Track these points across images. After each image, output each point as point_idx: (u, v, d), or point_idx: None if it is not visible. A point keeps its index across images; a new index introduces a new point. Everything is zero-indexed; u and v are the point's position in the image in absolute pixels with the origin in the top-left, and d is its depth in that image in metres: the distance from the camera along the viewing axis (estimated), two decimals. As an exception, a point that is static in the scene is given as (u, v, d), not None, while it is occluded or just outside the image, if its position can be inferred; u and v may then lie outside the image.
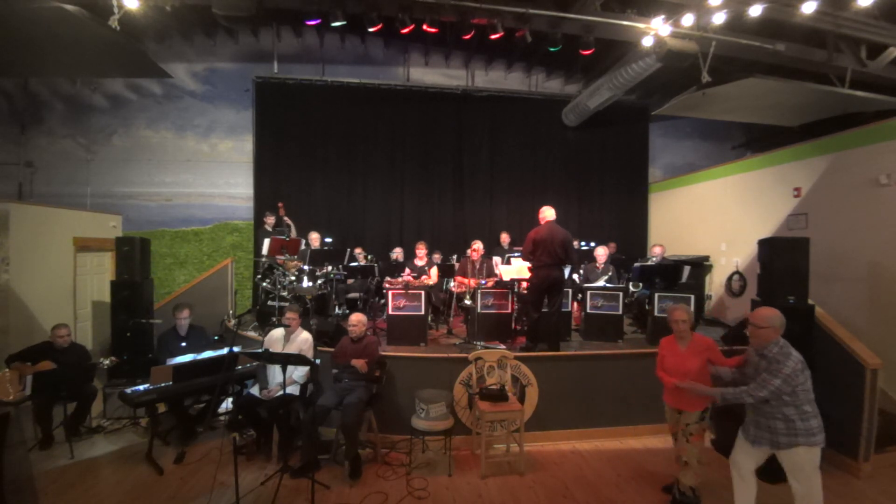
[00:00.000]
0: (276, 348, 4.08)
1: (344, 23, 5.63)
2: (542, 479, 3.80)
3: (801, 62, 6.04)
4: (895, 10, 5.42)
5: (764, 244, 4.29)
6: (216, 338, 5.06)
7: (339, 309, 6.24)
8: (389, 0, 5.57)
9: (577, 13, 5.49)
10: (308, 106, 8.14)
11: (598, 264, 6.18)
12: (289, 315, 4.17)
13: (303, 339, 4.15)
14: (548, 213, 4.79)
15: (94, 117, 7.87)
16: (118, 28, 4.82)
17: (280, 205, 6.85)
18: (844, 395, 3.92)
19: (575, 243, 6.95)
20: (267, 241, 5.69)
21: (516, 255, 6.38)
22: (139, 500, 3.39)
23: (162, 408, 4.16)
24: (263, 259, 5.79)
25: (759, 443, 2.77)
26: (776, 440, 2.67)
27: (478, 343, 4.95)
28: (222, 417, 4.69)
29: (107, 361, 4.53)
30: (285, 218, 6.79)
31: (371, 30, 5.75)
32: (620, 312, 5.37)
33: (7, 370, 4.14)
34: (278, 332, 4.24)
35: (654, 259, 6.78)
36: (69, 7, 4.28)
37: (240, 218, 8.20)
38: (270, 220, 6.74)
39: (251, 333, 5.42)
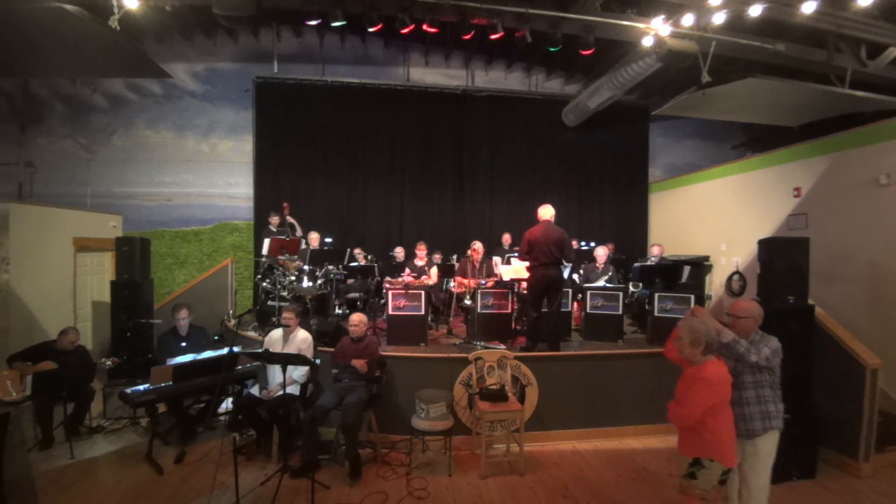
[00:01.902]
0: (276, 349, 4.08)
1: (344, 23, 5.64)
2: (542, 479, 3.80)
3: (801, 62, 6.04)
4: (895, 10, 5.42)
5: (764, 244, 4.28)
6: (216, 338, 5.06)
7: (339, 309, 6.24)
8: (389, 0, 5.57)
9: (577, 13, 5.49)
10: (308, 106, 8.13)
11: (597, 264, 6.19)
12: (286, 315, 4.16)
13: (301, 339, 4.14)
14: (543, 213, 4.75)
15: (94, 117, 7.87)
16: (118, 28, 4.82)
17: (286, 205, 6.75)
18: (844, 395, 3.92)
19: (574, 243, 6.99)
20: (267, 241, 5.69)
21: (516, 254, 6.38)
22: (139, 500, 3.39)
23: (162, 408, 4.15)
24: (263, 259, 5.78)
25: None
26: (751, 427, 2.61)
27: (478, 343, 4.95)
28: (222, 417, 4.70)
29: (108, 362, 4.53)
30: (289, 218, 6.74)
31: (371, 30, 5.75)
32: (620, 312, 5.37)
33: (7, 370, 4.14)
34: (277, 333, 4.24)
35: (652, 259, 6.78)
36: (69, 7, 4.27)
37: (240, 218, 8.20)
38: (275, 220, 6.66)
39: (251, 333, 5.42)
